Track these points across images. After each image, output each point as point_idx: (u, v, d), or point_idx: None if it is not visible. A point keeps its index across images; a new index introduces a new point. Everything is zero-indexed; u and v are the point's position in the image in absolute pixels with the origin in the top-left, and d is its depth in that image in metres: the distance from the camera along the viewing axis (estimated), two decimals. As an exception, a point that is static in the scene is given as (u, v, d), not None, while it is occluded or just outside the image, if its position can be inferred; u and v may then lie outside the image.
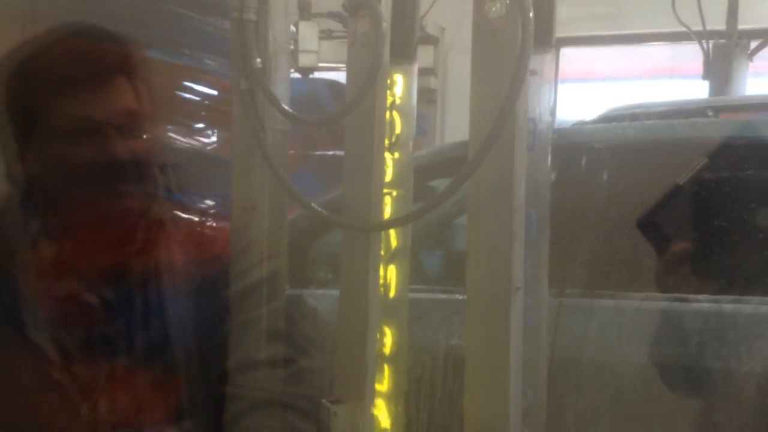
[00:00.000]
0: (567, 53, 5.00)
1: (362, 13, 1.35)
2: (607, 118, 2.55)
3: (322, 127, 1.49)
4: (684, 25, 3.14)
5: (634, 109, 2.60)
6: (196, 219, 1.17)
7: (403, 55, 1.38)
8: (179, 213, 1.11)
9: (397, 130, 1.40)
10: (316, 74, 4.27)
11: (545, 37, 1.11)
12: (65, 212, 1.03)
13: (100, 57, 1.03)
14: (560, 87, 4.93)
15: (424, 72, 4.11)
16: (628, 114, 2.52)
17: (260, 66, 1.33)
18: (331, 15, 4.14)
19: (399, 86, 1.40)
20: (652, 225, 1.49)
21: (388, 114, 1.37)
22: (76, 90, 1.00)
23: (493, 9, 1.14)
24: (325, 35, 4.25)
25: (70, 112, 0.99)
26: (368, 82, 1.29)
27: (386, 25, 1.30)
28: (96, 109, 1.00)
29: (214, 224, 1.20)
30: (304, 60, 4.05)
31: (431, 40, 4.65)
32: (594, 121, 2.55)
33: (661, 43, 4.82)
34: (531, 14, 1.05)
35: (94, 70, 1.02)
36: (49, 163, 1.01)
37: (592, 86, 5.43)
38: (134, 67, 1.06)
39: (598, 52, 5.27)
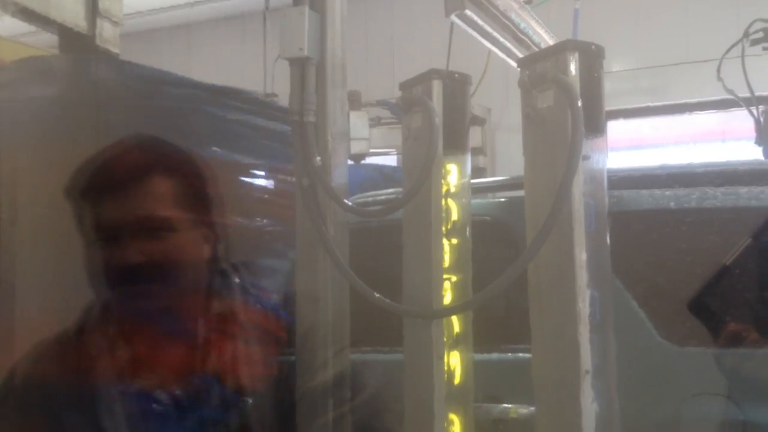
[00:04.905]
0: (614, 123, 5.01)
1: (415, 110, 1.41)
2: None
3: (381, 218, 1.53)
4: (731, 92, 3.12)
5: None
6: (261, 312, 1.17)
7: (455, 145, 1.43)
8: (243, 307, 1.13)
9: (454, 216, 1.43)
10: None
11: (595, 124, 1.14)
12: (124, 316, 1.07)
13: (131, 163, 1.06)
14: (609, 156, 4.90)
15: (472, 152, 4.16)
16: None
17: (320, 163, 1.39)
18: (380, 103, 4.31)
19: (453, 175, 1.44)
20: (703, 307, 1.50)
21: (443, 202, 1.41)
22: (100, 198, 1.04)
23: (542, 99, 1.19)
24: (375, 122, 4.39)
25: (94, 221, 1.05)
26: (423, 173, 1.33)
27: (439, 120, 1.36)
28: (113, 215, 1.03)
29: (279, 316, 1.21)
30: (356, 147, 4.18)
31: (478, 121, 4.75)
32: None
33: (709, 111, 4.79)
34: (579, 103, 1.09)
35: (122, 177, 1.04)
36: (93, 267, 1.06)
37: (642, 153, 5.38)
38: (174, 169, 1.07)
39: (646, 119, 5.26)
